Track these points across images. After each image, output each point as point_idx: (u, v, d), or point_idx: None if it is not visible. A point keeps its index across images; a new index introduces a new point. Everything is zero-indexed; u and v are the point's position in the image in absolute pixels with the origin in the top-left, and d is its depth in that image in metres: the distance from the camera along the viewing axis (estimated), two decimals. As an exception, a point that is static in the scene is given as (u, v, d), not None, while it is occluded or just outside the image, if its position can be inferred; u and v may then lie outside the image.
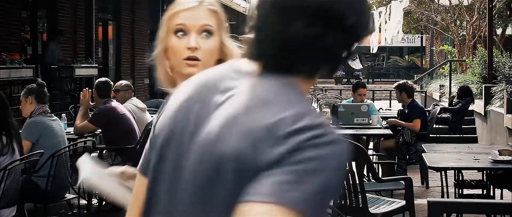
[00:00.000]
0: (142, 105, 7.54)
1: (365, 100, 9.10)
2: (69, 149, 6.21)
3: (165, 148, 1.40)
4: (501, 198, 6.79)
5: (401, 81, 9.01)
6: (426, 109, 9.96)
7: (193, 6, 2.01)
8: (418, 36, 34.17)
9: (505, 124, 10.43)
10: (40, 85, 6.08)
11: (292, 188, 1.20)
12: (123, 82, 7.86)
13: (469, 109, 12.41)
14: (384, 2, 20.74)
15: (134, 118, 6.96)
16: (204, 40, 1.99)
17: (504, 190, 6.73)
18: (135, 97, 7.73)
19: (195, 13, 2.00)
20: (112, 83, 7.28)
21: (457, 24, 20.87)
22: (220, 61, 1.98)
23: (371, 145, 9.09)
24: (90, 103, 7.05)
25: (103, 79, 7.25)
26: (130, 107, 7.14)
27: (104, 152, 7.09)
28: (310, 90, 19.59)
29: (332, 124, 1.33)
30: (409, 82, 9.10)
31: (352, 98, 9.25)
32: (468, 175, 7.14)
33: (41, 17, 13.33)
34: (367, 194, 5.40)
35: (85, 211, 6.94)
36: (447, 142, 9.50)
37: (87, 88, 7.27)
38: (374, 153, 8.57)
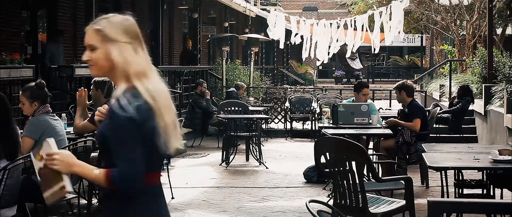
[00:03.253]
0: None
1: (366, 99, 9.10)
2: (69, 149, 6.22)
3: None
4: (501, 198, 6.79)
5: (401, 81, 9.02)
6: (426, 109, 9.95)
7: (87, 29, 2.87)
8: (418, 36, 34.15)
9: (505, 124, 10.43)
10: (40, 87, 6.10)
11: None
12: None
13: (469, 109, 12.40)
14: (384, 2, 20.73)
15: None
16: (92, 53, 2.84)
17: (504, 190, 6.73)
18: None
19: (87, 35, 2.85)
20: (113, 82, 7.26)
21: (457, 24, 20.86)
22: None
23: (371, 145, 9.09)
24: (87, 102, 7.06)
25: (103, 78, 7.24)
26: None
27: (104, 152, 7.07)
28: (310, 89, 19.60)
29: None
30: (409, 81, 9.10)
31: (353, 98, 9.25)
32: (468, 175, 7.14)
33: (41, 17, 13.34)
34: (367, 194, 5.40)
35: (85, 211, 6.94)
36: (447, 142, 9.50)
37: (82, 88, 7.27)
38: (374, 153, 8.56)
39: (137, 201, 2.77)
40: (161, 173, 2.90)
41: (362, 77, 37.14)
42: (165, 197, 2.91)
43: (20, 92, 6.23)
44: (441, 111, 11.55)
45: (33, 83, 6.23)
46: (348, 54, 15.76)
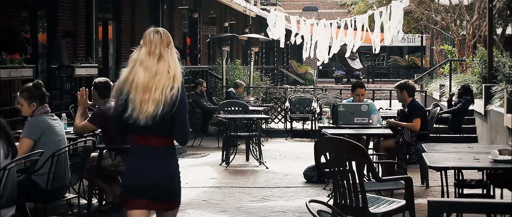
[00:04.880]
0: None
1: (365, 99, 9.08)
2: (69, 149, 6.22)
3: None
4: (501, 198, 6.79)
5: (402, 81, 9.02)
6: (426, 109, 9.95)
7: None
8: (418, 36, 34.16)
9: (505, 124, 10.43)
10: (38, 87, 6.08)
11: None
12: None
13: (469, 108, 12.40)
14: (384, 2, 20.73)
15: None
16: None
17: (504, 190, 6.73)
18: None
19: None
20: (111, 83, 7.26)
21: (457, 23, 20.85)
22: None
23: (371, 145, 9.09)
24: (88, 102, 7.05)
25: (102, 79, 7.23)
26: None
27: (104, 151, 7.08)
28: (310, 89, 19.60)
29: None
30: (411, 81, 9.10)
31: (352, 98, 9.24)
32: (468, 175, 7.14)
33: (41, 17, 13.33)
34: (367, 194, 5.40)
35: (85, 211, 6.94)
36: (447, 142, 9.50)
37: (83, 88, 7.26)
38: (374, 153, 8.56)
39: None
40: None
41: (362, 77, 37.11)
42: None
43: (18, 93, 6.21)
44: (441, 111, 11.54)
45: (31, 84, 6.20)
46: (348, 54, 15.76)
